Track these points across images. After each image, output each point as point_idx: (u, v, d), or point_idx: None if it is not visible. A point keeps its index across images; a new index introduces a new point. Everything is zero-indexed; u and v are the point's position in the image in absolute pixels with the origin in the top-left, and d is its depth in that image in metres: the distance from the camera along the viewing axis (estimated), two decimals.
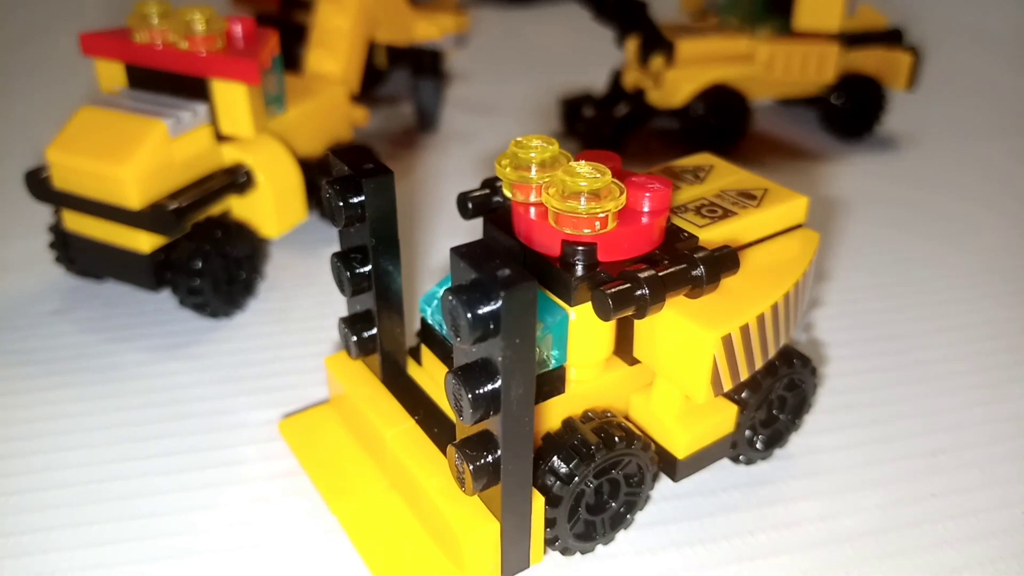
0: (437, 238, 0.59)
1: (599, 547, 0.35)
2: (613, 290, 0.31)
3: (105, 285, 0.53)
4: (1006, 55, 1.01)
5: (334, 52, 0.61)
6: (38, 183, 0.48)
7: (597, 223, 0.32)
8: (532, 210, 0.34)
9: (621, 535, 0.36)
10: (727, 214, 0.37)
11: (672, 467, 0.36)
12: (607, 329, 0.34)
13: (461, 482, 0.31)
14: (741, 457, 0.39)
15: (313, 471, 0.38)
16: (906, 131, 0.77)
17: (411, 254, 0.57)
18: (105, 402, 0.44)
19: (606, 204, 0.32)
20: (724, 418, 0.37)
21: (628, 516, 0.36)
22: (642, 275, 0.31)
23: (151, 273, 0.48)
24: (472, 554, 0.31)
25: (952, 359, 0.48)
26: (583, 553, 0.35)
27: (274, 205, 0.51)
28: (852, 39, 0.71)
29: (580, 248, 0.32)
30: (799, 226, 0.39)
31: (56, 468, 0.40)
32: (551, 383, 0.34)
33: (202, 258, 0.47)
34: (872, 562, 0.35)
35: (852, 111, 0.73)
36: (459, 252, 0.28)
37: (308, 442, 0.39)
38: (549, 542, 0.34)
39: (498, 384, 0.28)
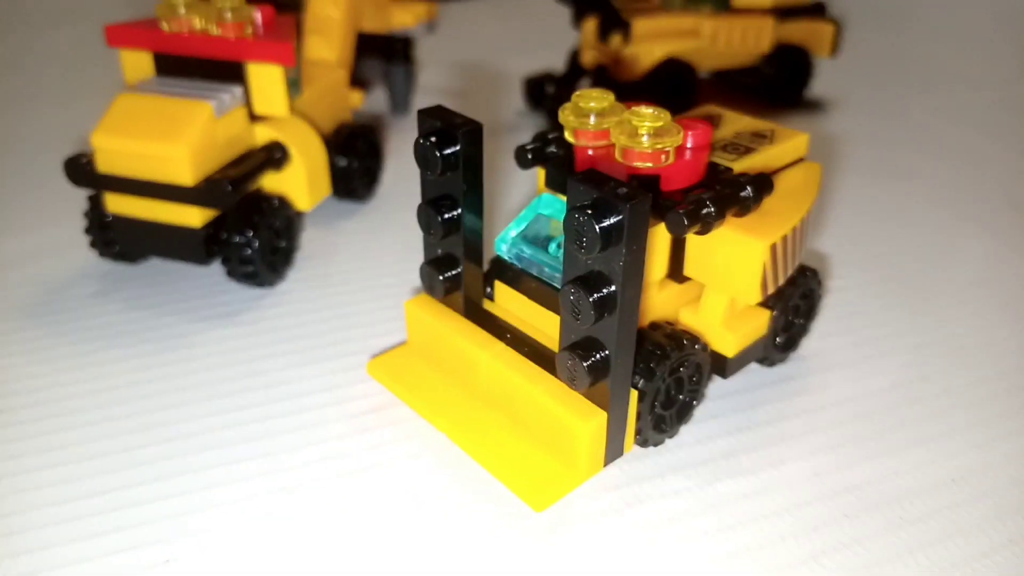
0: None
1: (667, 440, 0.41)
2: (684, 209, 0.37)
3: (139, 267, 0.55)
4: (916, 21, 1.13)
5: (329, 40, 0.65)
6: (78, 169, 0.50)
7: (662, 157, 0.38)
8: (590, 151, 0.40)
9: (684, 428, 0.42)
10: (748, 150, 0.43)
11: (722, 366, 0.43)
12: (663, 252, 0.40)
13: (572, 382, 0.36)
14: (766, 360, 0.46)
15: (410, 399, 0.42)
16: (831, 95, 0.87)
17: None
18: (178, 367, 0.47)
19: (668, 140, 0.38)
20: (760, 322, 0.43)
21: (690, 411, 0.42)
22: (706, 197, 0.38)
23: (202, 247, 0.51)
24: (585, 443, 0.37)
25: (928, 269, 0.56)
26: (656, 445, 0.41)
27: (307, 180, 0.54)
28: (783, 12, 0.79)
29: (642, 180, 0.38)
30: (802, 159, 0.46)
31: (158, 425, 0.42)
32: None
33: (253, 229, 0.50)
34: (889, 432, 0.43)
35: (784, 78, 0.81)
36: (578, 179, 0.33)
37: (398, 377, 0.43)
38: (639, 433, 0.40)
39: (611, 290, 0.34)
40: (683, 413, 0.42)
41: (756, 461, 0.41)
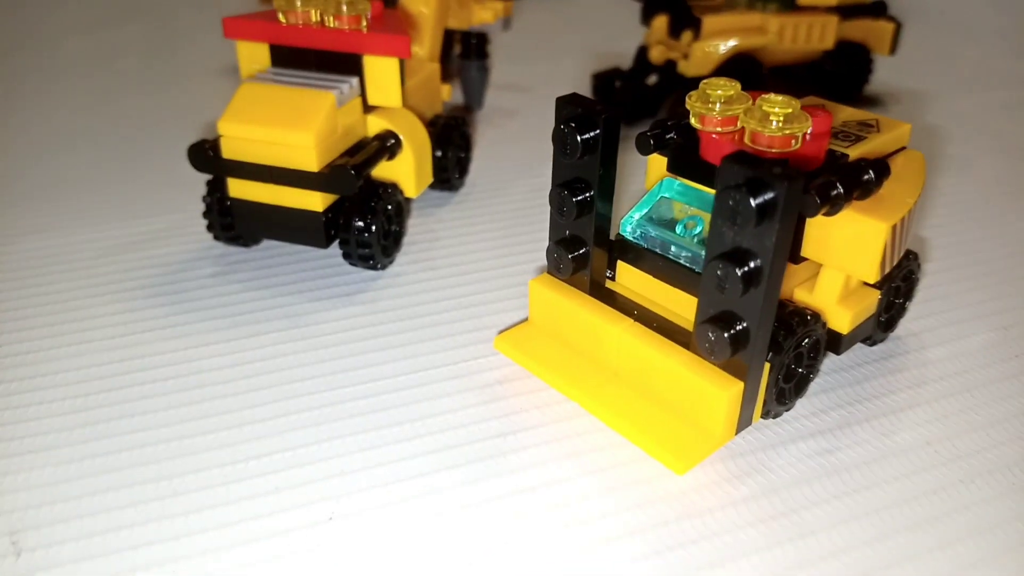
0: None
1: (785, 412, 0.44)
2: (816, 190, 0.39)
3: (253, 251, 0.58)
4: (973, 23, 1.15)
5: (420, 36, 0.67)
6: (201, 156, 0.53)
7: (792, 141, 0.40)
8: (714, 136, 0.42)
9: (799, 402, 0.45)
10: (859, 138, 0.46)
11: (837, 342, 0.45)
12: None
13: (711, 354, 0.39)
14: (869, 339, 0.48)
15: (540, 371, 0.44)
16: (888, 91, 0.89)
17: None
18: (306, 342, 0.49)
19: (796, 126, 0.40)
20: (871, 301, 0.46)
21: (807, 384, 0.44)
22: (835, 179, 0.40)
23: (323, 231, 0.53)
24: (724, 411, 0.39)
25: (1011, 255, 0.58)
26: (776, 416, 0.43)
27: (415, 168, 0.57)
28: (846, 11, 0.81)
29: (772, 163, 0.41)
30: (905, 148, 0.48)
31: (300, 395, 0.45)
32: None
33: (371, 214, 0.53)
34: (992, 404, 0.45)
35: (844, 73, 0.84)
36: (731, 159, 0.36)
37: (526, 351, 0.46)
38: (767, 412, 0.42)
39: (758, 264, 0.36)
40: (801, 386, 0.44)
41: (869, 432, 0.43)
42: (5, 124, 0.80)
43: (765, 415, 0.43)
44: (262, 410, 0.44)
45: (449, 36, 0.78)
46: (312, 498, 0.39)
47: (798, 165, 0.41)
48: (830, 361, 0.48)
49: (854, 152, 0.44)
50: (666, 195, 0.45)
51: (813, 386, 0.46)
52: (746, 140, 0.41)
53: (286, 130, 0.50)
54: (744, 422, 0.41)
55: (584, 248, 0.44)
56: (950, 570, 0.36)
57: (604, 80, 0.82)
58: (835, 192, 0.40)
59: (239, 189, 0.54)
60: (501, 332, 0.48)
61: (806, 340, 0.42)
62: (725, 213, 0.36)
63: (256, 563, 0.36)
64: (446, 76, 0.73)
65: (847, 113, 0.49)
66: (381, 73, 0.54)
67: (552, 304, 0.46)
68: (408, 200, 0.59)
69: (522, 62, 0.98)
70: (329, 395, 0.45)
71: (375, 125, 0.56)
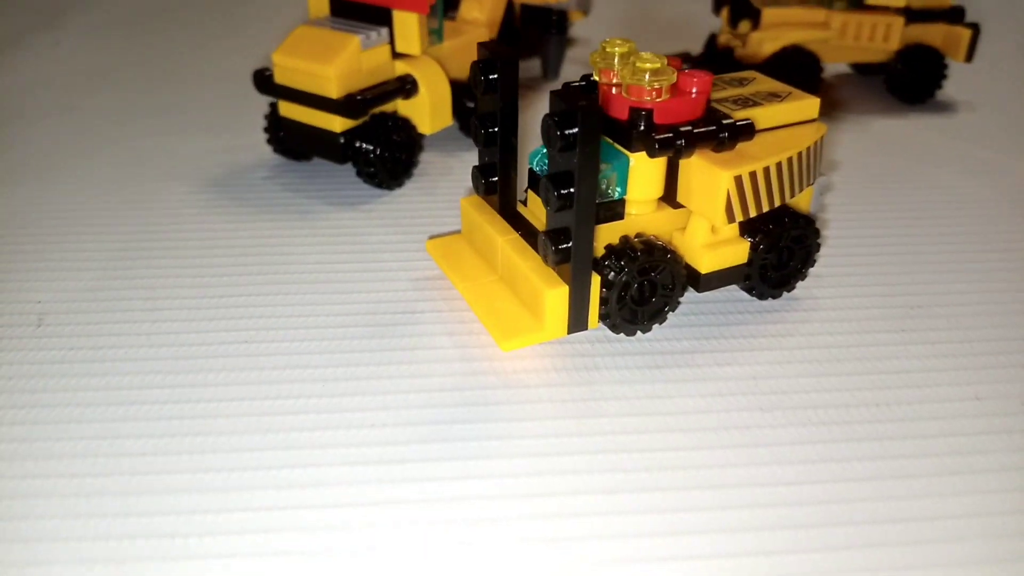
0: None
1: (639, 332, 0.50)
2: (659, 136, 0.46)
3: (302, 164, 0.72)
4: None
5: (481, 3, 0.78)
6: (263, 80, 0.67)
7: (654, 93, 0.47)
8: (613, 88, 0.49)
9: (657, 327, 0.51)
10: (756, 104, 0.51)
11: (697, 280, 0.51)
12: (657, 174, 0.49)
13: (546, 259, 0.47)
14: (754, 291, 0.53)
15: (446, 268, 0.54)
16: (964, 99, 0.88)
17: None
18: (299, 232, 0.62)
19: (659, 79, 0.47)
20: (739, 250, 0.51)
21: (663, 313, 0.51)
22: (681, 129, 0.46)
23: (339, 149, 0.66)
24: (550, 307, 0.47)
25: (941, 247, 0.60)
26: (627, 334, 0.50)
27: (430, 108, 0.68)
28: (916, 14, 0.82)
29: (641, 112, 0.48)
30: (814, 120, 0.53)
31: (286, 264, 0.58)
32: (614, 209, 0.49)
33: (375, 136, 0.64)
34: (846, 362, 0.49)
35: (914, 77, 0.84)
36: (555, 93, 0.44)
37: (444, 253, 0.56)
38: (603, 317, 0.49)
39: (570, 184, 0.44)
40: (656, 314, 0.50)
41: (705, 360, 0.49)
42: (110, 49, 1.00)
43: (613, 328, 0.50)
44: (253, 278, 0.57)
45: (525, 9, 0.88)
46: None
47: (666, 116, 0.48)
48: (712, 303, 0.53)
49: (738, 115, 0.50)
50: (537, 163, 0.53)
51: (679, 319, 0.52)
52: (623, 93, 0.48)
53: (316, 63, 0.63)
54: (577, 324, 0.48)
55: (496, 175, 0.53)
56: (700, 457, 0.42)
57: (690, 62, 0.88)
58: (678, 142, 0.46)
59: (286, 109, 0.68)
60: (432, 237, 0.58)
61: (656, 270, 0.49)
62: (544, 137, 0.44)
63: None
64: (525, 46, 0.83)
65: (770, 85, 0.54)
66: (404, 25, 0.66)
67: (470, 219, 0.55)
68: (422, 136, 0.70)
69: (598, 42, 1.04)
70: (301, 266, 0.58)
71: (400, 69, 0.67)
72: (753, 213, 0.49)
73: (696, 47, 0.94)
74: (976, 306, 0.54)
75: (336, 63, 0.63)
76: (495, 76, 0.50)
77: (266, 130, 0.71)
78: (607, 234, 0.50)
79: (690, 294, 0.54)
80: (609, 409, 0.45)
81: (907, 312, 0.54)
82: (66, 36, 1.08)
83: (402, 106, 0.69)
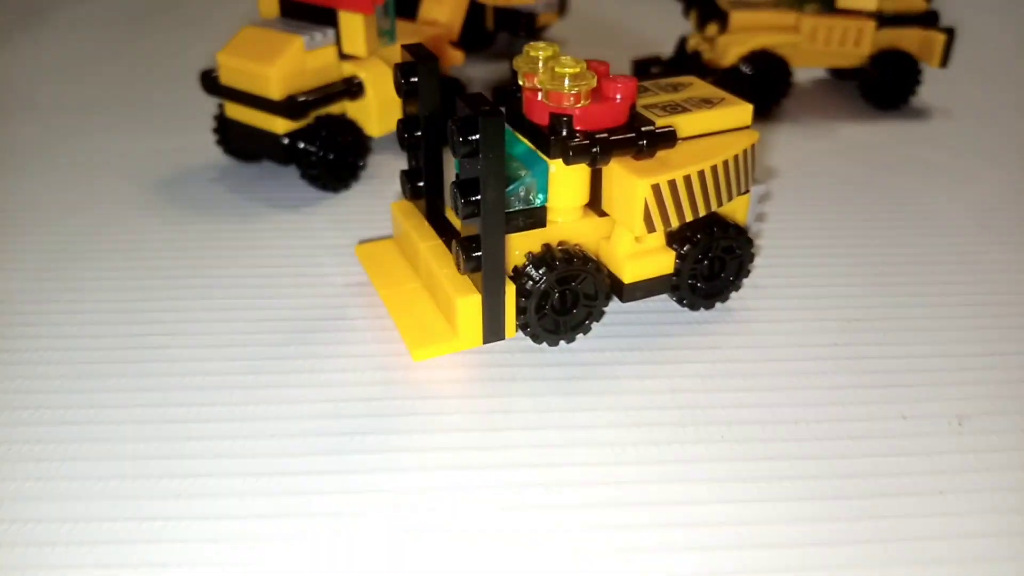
0: None
1: (562, 342, 0.49)
2: (573, 143, 0.45)
3: (250, 166, 0.71)
4: None
5: (441, 3, 0.77)
6: (209, 80, 0.66)
7: (572, 99, 0.46)
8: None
9: (581, 338, 0.50)
10: (684, 111, 0.50)
11: (620, 290, 0.50)
12: (578, 182, 0.48)
13: (459, 266, 0.46)
14: (684, 301, 0.52)
15: (371, 273, 0.53)
16: (939, 105, 0.86)
17: None
18: (241, 235, 0.61)
19: (578, 84, 0.45)
20: (664, 260, 0.50)
21: (586, 323, 0.49)
22: (597, 136, 0.45)
23: (282, 150, 0.65)
24: (462, 316, 0.46)
25: (888, 259, 0.58)
26: (550, 344, 0.49)
27: (377, 110, 0.67)
28: (889, 18, 0.80)
29: (561, 118, 0.46)
30: (747, 128, 0.51)
31: (219, 276, 0.57)
32: (535, 217, 0.48)
33: (318, 138, 0.64)
34: (762, 376, 0.48)
35: (888, 82, 0.82)
36: (461, 97, 0.43)
37: (372, 258, 0.55)
38: (522, 327, 0.48)
39: (477, 190, 0.43)
40: (579, 324, 0.49)
41: (626, 372, 0.47)
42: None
43: (534, 338, 0.48)
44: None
45: (496, 11, 0.87)
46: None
47: (586, 122, 0.47)
48: (640, 313, 0.52)
49: (663, 122, 0.49)
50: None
51: (604, 329, 0.51)
52: (543, 98, 0.47)
53: (257, 63, 0.63)
54: (492, 333, 0.47)
55: (421, 179, 0.52)
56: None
57: (642, 65, 0.87)
58: (594, 149, 0.45)
59: (232, 110, 0.67)
60: (363, 242, 0.57)
61: (576, 280, 0.48)
62: (449, 143, 0.43)
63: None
64: (487, 47, 0.82)
65: (705, 91, 0.52)
66: (349, 26, 0.65)
67: (398, 223, 0.54)
68: (369, 138, 0.69)
69: (573, 45, 1.03)
70: (227, 270, 0.57)
71: (347, 70, 0.67)
72: (675, 223, 0.48)
73: (670, 51, 0.92)
74: (917, 320, 0.53)
75: (277, 64, 0.62)
76: (413, 80, 0.49)
77: (215, 131, 0.70)
78: (528, 241, 0.48)
79: (621, 303, 0.52)
80: (519, 422, 0.44)
81: (843, 326, 0.52)
82: (44, 33, 1.09)
83: (351, 108, 0.68)
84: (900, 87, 0.83)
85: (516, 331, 0.48)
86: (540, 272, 0.47)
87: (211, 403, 0.45)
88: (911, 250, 0.60)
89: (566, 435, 0.43)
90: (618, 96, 0.47)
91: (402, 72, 0.49)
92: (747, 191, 0.52)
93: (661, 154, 0.48)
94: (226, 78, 0.65)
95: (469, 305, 0.46)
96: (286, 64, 0.62)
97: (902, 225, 0.64)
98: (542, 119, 0.47)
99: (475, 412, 0.44)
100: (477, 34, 0.97)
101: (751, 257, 0.52)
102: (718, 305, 0.53)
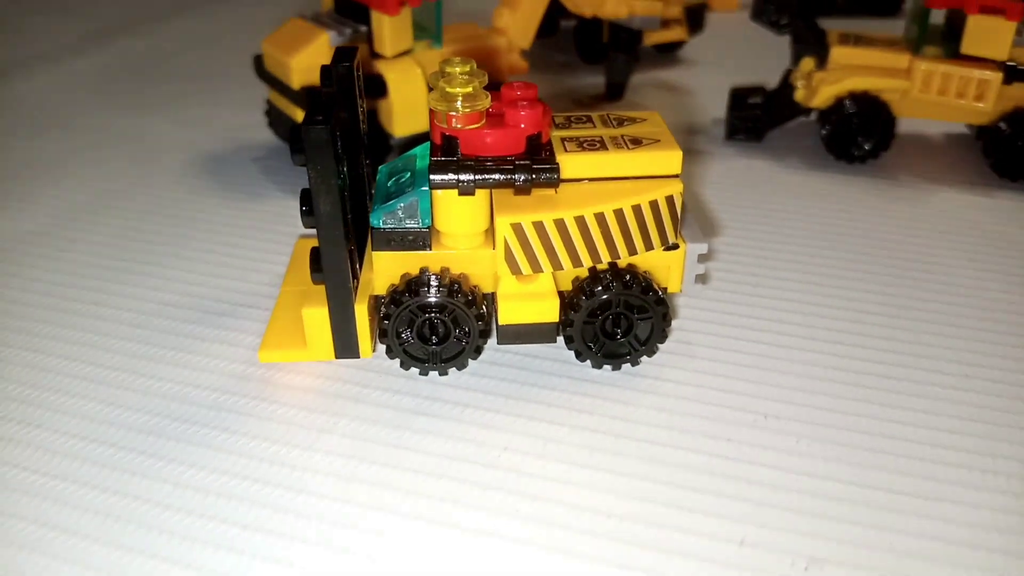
0: None
1: (434, 373, 0.47)
2: (442, 167, 0.42)
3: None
4: None
5: (513, 10, 0.75)
6: (258, 65, 0.70)
7: (455, 121, 0.43)
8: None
9: (455, 372, 0.47)
10: (601, 149, 0.45)
11: (497, 331, 0.46)
12: (471, 207, 0.45)
13: (312, 276, 0.45)
14: (581, 356, 0.47)
15: (289, 270, 0.53)
16: None
17: None
18: (223, 214, 0.64)
19: (471, 105, 0.43)
20: (548, 307, 0.45)
21: (460, 358, 0.46)
22: (465, 163, 0.42)
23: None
24: (309, 327, 0.45)
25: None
26: (421, 372, 0.47)
27: (395, 111, 0.67)
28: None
29: (452, 140, 0.44)
30: (674, 176, 0.45)
31: (168, 255, 0.61)
32: (419, 238, 0.46)
33: None
34: (614, 456, 0.42)
35: (1018, 147, 0.68)
36: (309, 111, 0.41)
37: (300, 255, 0.54)
38: (389, 350, 0.46)
39: (310, 201, 0.42)
40: (453, 357, 0.46)
41: (471, 417, 0.44)
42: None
43: (403, 365, 0.46)
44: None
45: (600, 24, 0.83)
46: None
47: (475, 147, 0.44)
48: (532, 358, 0.48)
49: (569, 159, 0.44)
50: (382, 177, 0.49)
51: (483, 368, 0.47)
52: (437, 119, 0.45)
53: (284, 53, 0.65)
54: (345, 349, 0.46)
55: None
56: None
57: (741, 95, 0.79)
58: (464, 177, 0.42)
59: (273, 96, 0.70)
60: (305, 237, 0.58)
61: (444, 312, 0.45)
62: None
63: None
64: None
65: (646, 130, 0.47)
66: (377, 25, 0.65)
67: None
68: (391, 136, 0.69)
69: (701, 66, 0.96)
70: (199, 242, 0.60)
71: (378, 69, 0.67)
72: (547, 268, 0.44)
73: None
74: (830, 429, 0.44)
75: (298, 55, 0.64)
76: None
77: (265, 113, 0.74)
78: (409, 263, 0.46)
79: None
80: (331, 445, 0.42)
81: (755, 421, 0.44)
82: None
83: (380, 107, 0.68)
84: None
85: (373, 351, 0.47)
86: (401, 295, 0.45)
87: (54, 389, 0.47)
88: (878, 354, 0.50)
89: (367, 471, 0.41)
90: (522, 124, 0.44)
91: (323, 74, 0.48)
92: (674, 246, 0.46)
93: (551, 193, 0.44)
94: (268, 64, 0.68)
95: (315, 316, 0.45)
96: (308, 56, 0.64)
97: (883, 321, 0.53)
98: (437, 138, 0.45)
99: (298, 426, 0.43)
100: (594, 48, 0.94)
101: (666, 321, 0.46)
102: (628, 367, 0.48)
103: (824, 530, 0.38)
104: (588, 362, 0.47)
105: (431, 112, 0.44)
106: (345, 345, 0.46)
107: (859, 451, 0.42)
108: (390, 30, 0.65)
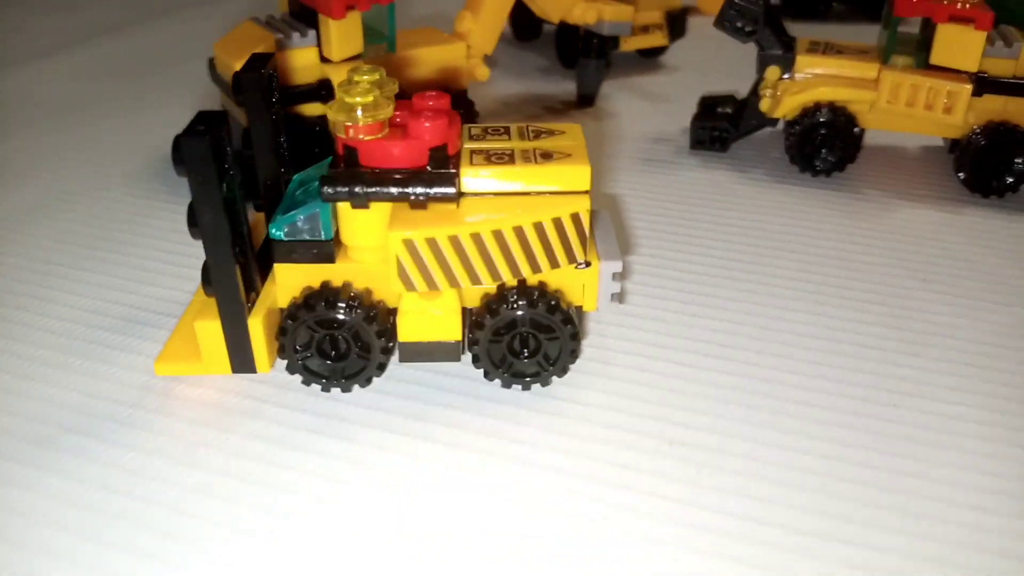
0: None
1: (337, 390, 0.45)
2: (334, 179, 0.41)
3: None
4: None
5: (475, 14, 0.74)
6: (212, 69, 0.69)
7: (351, 131, 0.42)
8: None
9: (359, 390, 0.46)
10: (508, 163, 0.43)
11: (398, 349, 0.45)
12: (367, 221, 0.44)
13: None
14: (488, 376, 0.46)
15: None
16: None
17: None
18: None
19: (356, 116, 0.41)
20: (450, 325, 0.44)
21: (362, 374, 0.45)
22: (360, 175, 0.41)
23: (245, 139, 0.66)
24: (202, 340, 0.44)
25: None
26: (323, 389, 0.45)
27: None
28: (999, 84, 0.64)
29: (350, 151, 0.43)
30: (583, 192, 0.43)
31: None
32: (322, 249, 0.44)
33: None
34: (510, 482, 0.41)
35: (990, 162, 0.66)
36: (194, 120, 0.40)
37: None
38: (290, 367, 0.45)
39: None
40: (356, 374, 0.45)
41: (365, 438, 0.43)
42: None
43: (304, 381, 0.45)
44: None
45: (577, 29, 0.81)
46: None
47: (374, 159, 0.43)
48: (441, 377, 0.47)
49: (473, 172, 0.43)
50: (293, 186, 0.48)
51: (389, 385, 0.46)
52: (337, 130, 0.43)
53: (230, 57, 0.64)
54: (242, 364, 0.45)
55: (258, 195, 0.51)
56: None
57: (710, 104, 0.77)
58: (357, 189, 0.41)
59: (224, 99, 0.69)
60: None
61: (341, 328, 0.43)
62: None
63: None
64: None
65: (563, 144, 0.45)
66: (324, 28, 0.64)
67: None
68: None
69: (685, 72, 0.94)
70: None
71: (327, 73, 0.66)
72: (444, 285, 0.42)
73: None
74: (738, 459, 0.42)
75: (243, 58, 0.63)
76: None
77: None
78: (310, 276, 0.45)
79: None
80: (215, 463, 0.41)
81: (657, 447, 0.43)
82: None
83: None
84: (1008, 169, 0.66)
85: (271, 366, 0.46)
86: (296, 309, 0.43)
87: None
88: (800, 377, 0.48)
89: (237, 489, 0.40)
90: (425, 136, 0.42)
91: (233, 82, 0.48)
92: (584, 264, 0.45)
93: (452, 208, 0.43)
94: (220, 67, 0.68)
95: (207, 329, 0.44)
96: None
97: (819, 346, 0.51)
98: (340, 148, 0.44)
99: (182, 439, 0.42)
100: (573, 53, 0.92)
101: (575, 341, 0.45)
102: (537, 388, 0.46)
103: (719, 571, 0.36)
104: (497, 382, 0.46)
105: (329, 122, 0.43)
106: (241, 360, 0.45)
107: (764, 483, 0.41)
108: (336, 34, 0.64)
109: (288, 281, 0.45)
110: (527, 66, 0.95)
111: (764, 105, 0.70)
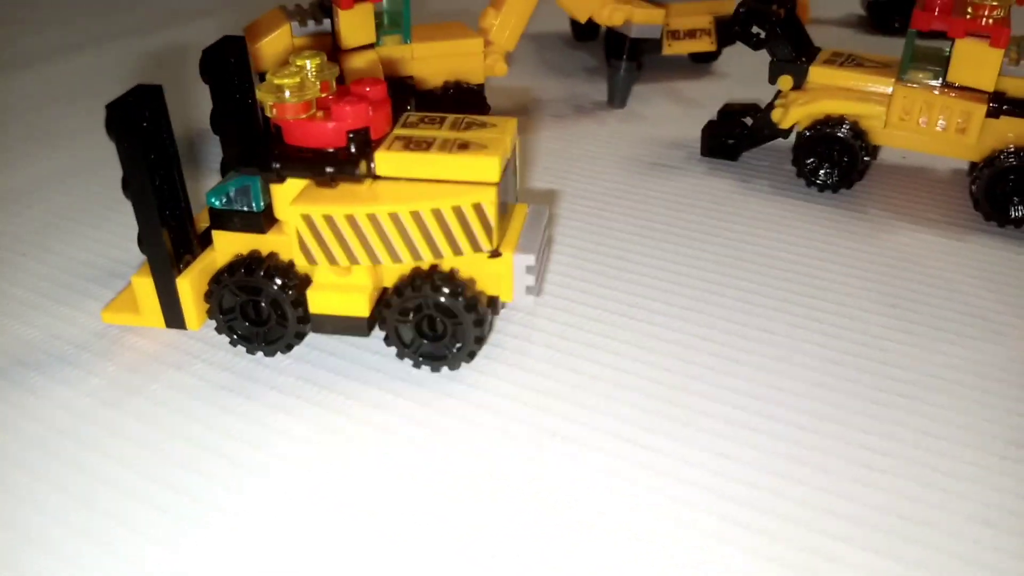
0: None
1: (261, 354, 0.48)
2: (250, 156, 0.44)
3: None
4: None
5: (498, 11, 0.75)
6: None
7: (274, 110, 0.45)
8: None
9: (281, 356, 0.48)
10: (422, 150, 0.45)
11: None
12: (290, 197, 0.46)
13: None
14: (398, 355, 0.47)
15: None
16: None
17: None
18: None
19: (278, 98, 0.44)
20: (358, 301, 0.46)
21: (281, 341, 0.48)
22: (277, 152, 0.44)
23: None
24: (139, 294, 0.48)
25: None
26: (248, 352, 0.48)
27: None
28: (1017, 105, 0.60)
29: (275, 128, 0.45)
30: (495, 184, 0.44)
31: None
32: (252, 220, 0.47)
33: None
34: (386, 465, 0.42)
35: (1010, 189, 0.61)
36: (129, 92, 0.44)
37: None
38: (218, 327, 0.48)
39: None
40: (276, 340, 0.48)
41: (259, 413, 0.45)
42: None
43: (231, 342, 0.48)
44: None
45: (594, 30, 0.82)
46: None
47: (296, 138, 0.45)
48: (354, 348, 0.49)
49: (386, 157, 0.45)
50: None
51: (305, 353, 0.48)
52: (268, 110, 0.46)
53: (251, 41, 0.69)
54: (172, 319, 0.48)
55: None
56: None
57: (728, 114, 0.75)
58: (275, 165, 0.44)
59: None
60: None
61: (260, 294, 0.46)
62: None
63: None
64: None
65: (479, 135, 0.46)
66: (336, 17, 0.68)
67: None
68: None
69: (711, 79, 0.92)
70: None
71: (344, 61, 0.69)
72: (344, 261, 0.44)
73: None
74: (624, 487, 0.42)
75: (262, 41, 0.67)
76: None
77: None
78: (242, 244, 0.48)
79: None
80: (130, 406, 0.45)
81: (547, 443, 0.43)
82: None
83: None
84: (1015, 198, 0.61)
85: (199, 325, 0.49)
86: (222, 274, 0.47)
87: None
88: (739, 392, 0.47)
89: (129, 451, 0.42)
90: (347, 119, 0.45)
91: (202, 59, 0.51)
92: (495, 254, 0.46)
93: (362, 188, 0.44)
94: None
95: (142, 285, 0.48)
96: (270, 43, 0.68)
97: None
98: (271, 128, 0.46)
99: (114, 382, 0.46)
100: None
101: (480, 328, 0.46)
102: (445, 371, 0.47)
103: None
104: (408, 361, 0.48)
105: (258, 102, 0.46)
106: (172, 316, 0.48)
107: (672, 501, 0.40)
108: (345, 23, 0.67)
109: (223, 247, 0.48)
110: (575, 66, 0.96)
111: (775, 115, 0.68)
